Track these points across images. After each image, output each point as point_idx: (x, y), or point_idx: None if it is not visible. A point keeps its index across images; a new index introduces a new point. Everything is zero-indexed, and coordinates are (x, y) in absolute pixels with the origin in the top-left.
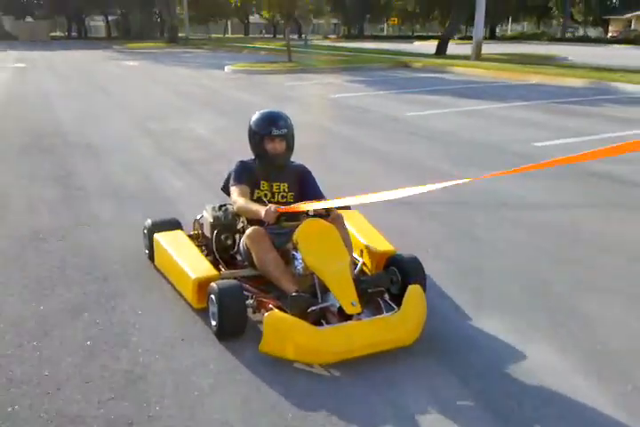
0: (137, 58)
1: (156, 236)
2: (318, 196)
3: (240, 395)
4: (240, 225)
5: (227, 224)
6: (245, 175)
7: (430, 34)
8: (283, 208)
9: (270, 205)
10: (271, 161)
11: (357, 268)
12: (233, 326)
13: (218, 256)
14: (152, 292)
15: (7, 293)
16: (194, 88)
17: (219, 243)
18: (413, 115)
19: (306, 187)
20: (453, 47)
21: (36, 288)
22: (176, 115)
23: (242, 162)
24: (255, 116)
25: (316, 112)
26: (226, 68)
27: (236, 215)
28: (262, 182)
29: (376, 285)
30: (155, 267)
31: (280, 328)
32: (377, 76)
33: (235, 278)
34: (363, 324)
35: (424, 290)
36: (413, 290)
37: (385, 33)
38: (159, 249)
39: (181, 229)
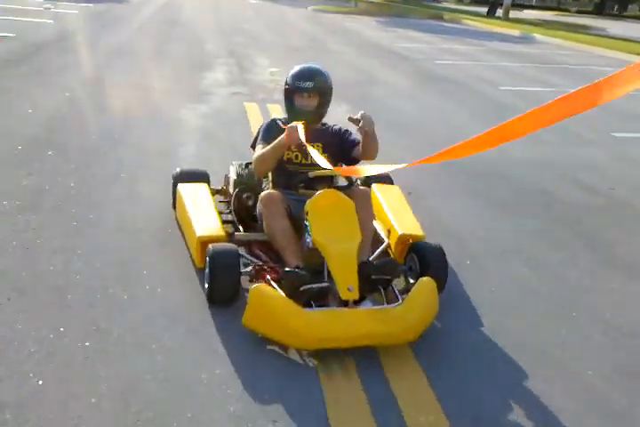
0: None
1: (180, 186)
2: (355, 145)
3: (193, 361)
4: (265, 185)
5: (250, 183)
6: (273, 133)
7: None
8: (294, 126)
9: (291, 125)
10: (300, 118)
11: (380, 249)
12: (222, 291)
13: (236, 216)
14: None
15: None
16: (277, 18)
17: (239, 202)
18: (400, 46)
19: (340, 147)
20: (516, 13)
21: None
22: (251, 28)
23: (272, 120)
24: (292, 72)
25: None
26: (308, 8)
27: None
28: None
29: (382, 272)
30: (175, 218)
31: (263, 304)
32: (405, 22)
33: (247, 242)
34: (356, 312)
35: (443, 284)
36: (423, 283)
37: None
38: (179, 200)
39: (208, 183)
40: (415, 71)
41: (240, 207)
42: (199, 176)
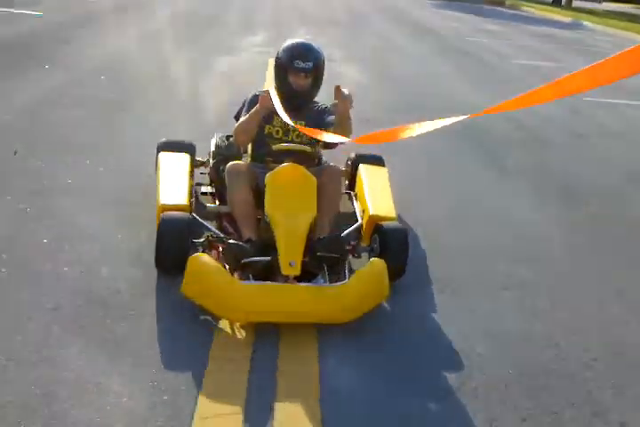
0: None
1: (161, 155)
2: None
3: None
4: (245, 159)
5: (228, 155)
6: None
7: None
8: (261, 92)
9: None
10: (292, 96)
11: (351, 228)
12: (167, 258)
13: (214, 188)
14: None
15: None
16: None
17: (216, 174)
18: (439, 24)
19: (325, 122)
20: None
21: None
22: (301, 3)
23: (255, 94)
24: (284, 45)
25: (384, 13)
26: None
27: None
28: (276, 117)
29: (328, 249)
30: None
31: (199, 272)
32: (459, 5)
33: (219, 214)
34: (292, 287)
35: (402, 268)
36: (371, 263)
37: None
38: (157, 169)
39: (192, 155)
40: (440, 45)
41: (217, 179)
42: (184, 147)
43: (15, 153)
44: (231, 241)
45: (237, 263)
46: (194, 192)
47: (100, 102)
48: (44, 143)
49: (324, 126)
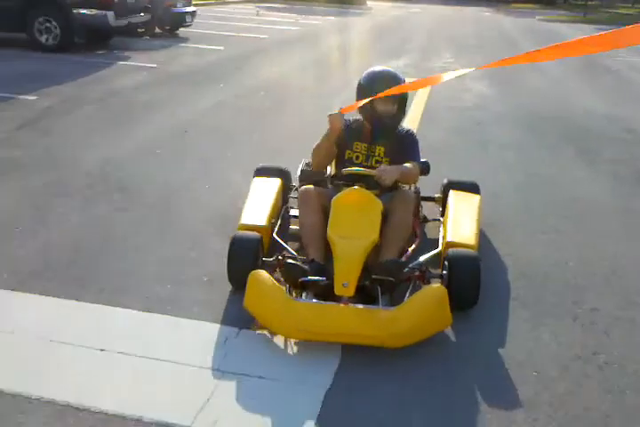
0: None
1: (254, 179)
2: (409, 160)
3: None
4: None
5: (312, 180)
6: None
7: None
8: (345, 107)
9: (333, 112)
10: (378, 123)
11: (429, 254)
12: (236, 274)
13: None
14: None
15: None
16: (493, 29)
17: None
18: None
19: (404, 153)
20: None
21: None
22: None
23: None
24: (368, 73)
25: (535, 37)
26: (536, 17)
27: (330, 174)
28: (356, 143)
29: (385, 272)
30: None
31: (258, 289)
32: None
33: (298, 235)
34: (342, 308)
35: (472, 298)
36: (428, 290)
37: None
38: (249, 192)
39: (284, 179)
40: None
41: None
42: (278, 172)
43: (186, 131)
44: (289, 260)
45: (295, 282)
46: (281, 215)
47: (256, 109)
48: (209, 131)
49: (403, 153)
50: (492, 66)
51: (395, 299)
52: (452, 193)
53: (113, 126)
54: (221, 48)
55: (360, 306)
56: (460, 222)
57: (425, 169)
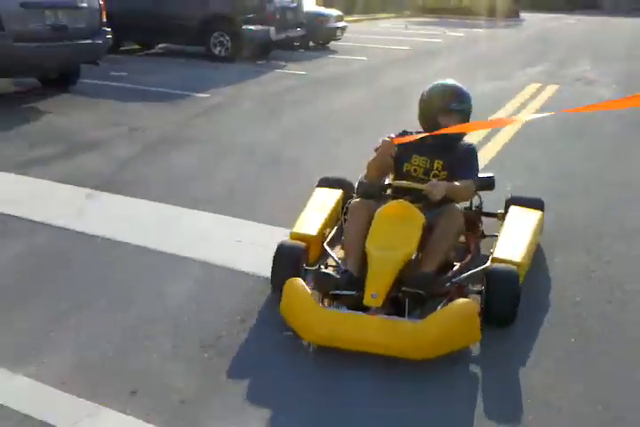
0: None
1: (316, 190)
2: (466, 178)
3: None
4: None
5: (368, 191)
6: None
7: None
8: (394, 136)
9: (386, 140)
10: (439, 136)
11: (474, 270)
12: (278, 281)
13: None
14: None
15: None
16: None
17: None
18: None
19: (461, 168)
20: None
21: None
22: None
23: (403, 131)
24: (432, 87)
25: None
26: None
27: (388, 185)
28: (415, 156)
29: (415, 285)
30: None
31: (290, 296)
32: None
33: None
34: (368, 318)
35: (508, 316)
36: (456, 304)
37: None
38: (309, 201)
39: (346, 191)
40: None
41: None
42: (340, 183)
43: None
44: (322, 271)
45: (325, 292)
46: (338, 225)
47: (384, 106)
48: (340, 124)
49: (461, 168)
50: (579, 110)
51: (425, 312)
52: (512, 209)
53: (265, 118)
54: (365, 58)
55: (386, 317)
56: (512, 239)
57: (489, 184)
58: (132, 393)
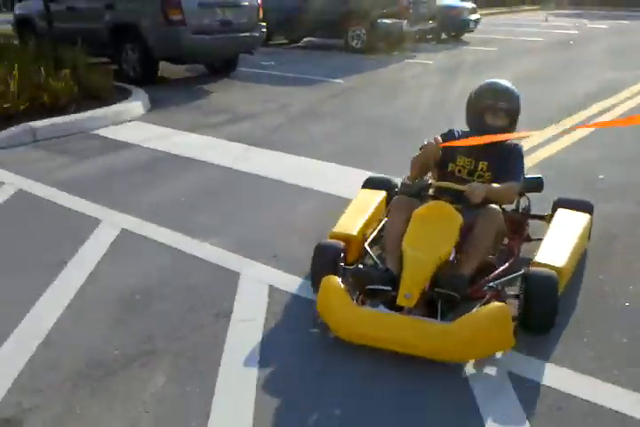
0: None
1: (360, 191)
2: (510, 179)
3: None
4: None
5: (411, 192)
6: (443, 141)
7: None
8: (440, 139)
9: (430, 142)
10: (486, 135)
11: (513, 275)
12: (316, 279)
13: None
14: None
15: None
16: None
17: None
18: None
19: (505, 169)
20: None
21: None
22: None
23: (450, 130)
24: (481, 86)
25: None
26: None
27: (429, 184)
28: (460, 156)
29: (448, 287)
30: None
31: (327, 294)
32: None
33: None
34: (399, 318)
35: (546, 322)
36: (489, 308)
37: None
38: (353, 201)
39: (387, 191)
40: None
41: None
42: (385, 183)
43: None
44: (359, 267)
45: (362, 288)
46: (382, 226)
47: None
48: (453, 105)
49: (507, 169)
50: (592, 126)
51: (458, 315)
52: (559, 211)
53: (389, 98)
54: (495, 49)
55: (417, 317)
56: (555, 242)
57: (537, 186)
58: (274, 257)
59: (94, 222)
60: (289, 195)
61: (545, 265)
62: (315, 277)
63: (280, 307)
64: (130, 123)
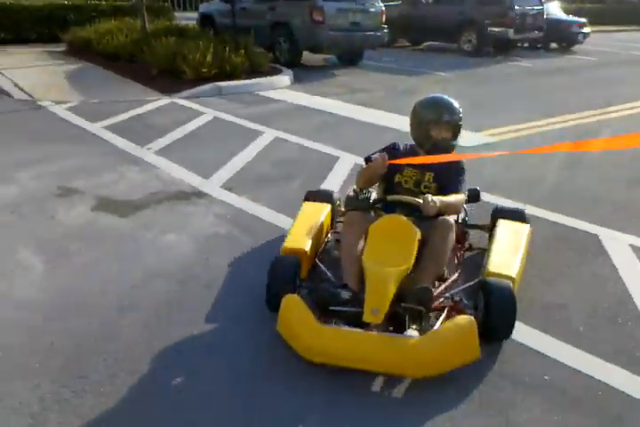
0: None
1: (304, 204)
2: (455, 190)
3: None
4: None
5: (360, 205)
6: (387, 155)
7: None
8: (385, 155)
9: (378, 157)
10: (431, 148)
11: (466, 285)
12: (274, 298)
13: None
14: None
15: None
16: None
17: None
18: None
19: (451, 180)
20: None
21: None
22: None
23: (394, 144)
24: (423, 100)
25: None
26: None
27: (380, 199)
28: (406, 168)
29: (415, 301)
30: None
31: (287, 313)
32: None
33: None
34: (367, 335)
35: (505, 331)
36: (456, 321)
37: None
38: (297, 216)
39: (331, 204)
40: None
41: None
42: (327, 197)
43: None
44: (322, 286)
45: (325, 307)
46: (328, 240)
47: (581, 88)
48: (529, 94)
49: (450, 180)
50: (534, 151)
51: (425, 328)
52: (499, 222)
53: (474, 86)
54: (594, 59)
55: (386, 334)
56: (502, 252)
57: (474, 196)
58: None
59: (259, 133)
60: (378, 131)
61: (500, 275)
62: (272, 293)
63: None
64: (279, 89)
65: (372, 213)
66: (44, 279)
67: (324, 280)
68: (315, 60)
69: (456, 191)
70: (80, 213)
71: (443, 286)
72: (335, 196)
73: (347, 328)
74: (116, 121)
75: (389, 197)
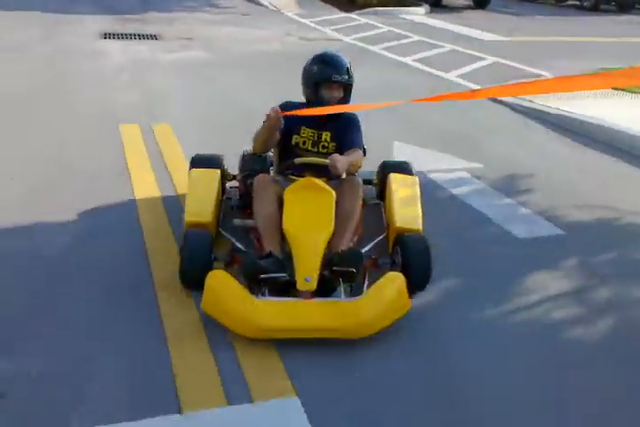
0: None
1: (191, 171)
2: (353, 146)
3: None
4: (272, 173)
5: (256, 169)
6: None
7: None
8: (278, 108)
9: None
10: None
11: (375, 241)
12: (191, 273)
13: (242, 202)
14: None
15: None
16: None
17: (244, 188)
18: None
19: (345, 136)
20: None
21: None
22: None
23: (287, 102)
24: (314, 59)
25: None
26: None
27: (290, 162)
28: (303, 128)
29: (345, 263)
30: None
31: (217, 289)
32: None
33: (245, 228)
34: (306, 303)
35: (424, 282)
36: (388, 277)
37: None
38: (188, 185)
39: (220, 169)
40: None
41: (245, 193)
42: (215, 161)
43: None
44: (249, 257)
45: (254, 279)
46: (223, 207)
47: None
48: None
49: (348, 138)
50: (430, 100)
51: (354, 289)
52: (391, 176)
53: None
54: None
55: (323, 299)
56: (403, 206)
57: (363, 151)
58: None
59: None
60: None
61: (411, 230)
62: (187, 271)
63: None
64: (418, 16)
65: (281, 177)
66: None
67: (233, 250)
68: (456, 2)
69: (356, 147)
70: None
71: (353, 245)
72: (221, 160)
73: (283, 299)
74: (317, 20)
75: (297, 160)
